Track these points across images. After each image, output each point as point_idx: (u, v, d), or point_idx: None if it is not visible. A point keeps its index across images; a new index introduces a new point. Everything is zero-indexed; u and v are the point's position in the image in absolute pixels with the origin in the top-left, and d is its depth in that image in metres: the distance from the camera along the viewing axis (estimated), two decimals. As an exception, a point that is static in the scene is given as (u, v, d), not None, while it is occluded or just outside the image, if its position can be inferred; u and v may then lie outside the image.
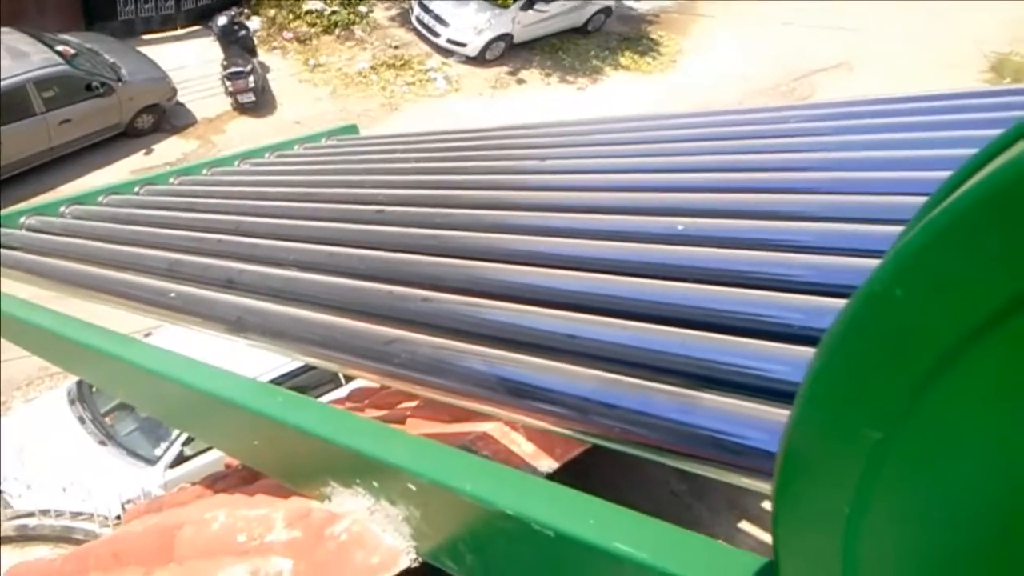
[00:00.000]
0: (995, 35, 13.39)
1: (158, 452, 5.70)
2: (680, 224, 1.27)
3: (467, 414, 1.24)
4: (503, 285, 1.21)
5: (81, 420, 5.92)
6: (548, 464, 1.20)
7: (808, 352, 0.83)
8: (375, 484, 0.95)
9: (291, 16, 12.37)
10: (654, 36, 14.06)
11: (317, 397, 5.26)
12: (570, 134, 2.25)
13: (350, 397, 2.14)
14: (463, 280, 1.26)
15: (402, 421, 1.48)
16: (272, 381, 5.11)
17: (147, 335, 5.59)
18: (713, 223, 1.27)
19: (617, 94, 12.67)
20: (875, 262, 0.97)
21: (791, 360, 0.82)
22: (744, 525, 1.86)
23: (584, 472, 1.20)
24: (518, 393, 0.94)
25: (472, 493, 0.81)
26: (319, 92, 11.67)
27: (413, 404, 1.62)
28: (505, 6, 12.24)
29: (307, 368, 5.37)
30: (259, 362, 4.66)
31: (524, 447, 1.23)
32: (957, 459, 0.38)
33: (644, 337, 0.95)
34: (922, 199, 1.07)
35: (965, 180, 0.39)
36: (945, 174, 1.19)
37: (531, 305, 1.12)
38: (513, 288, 1.19)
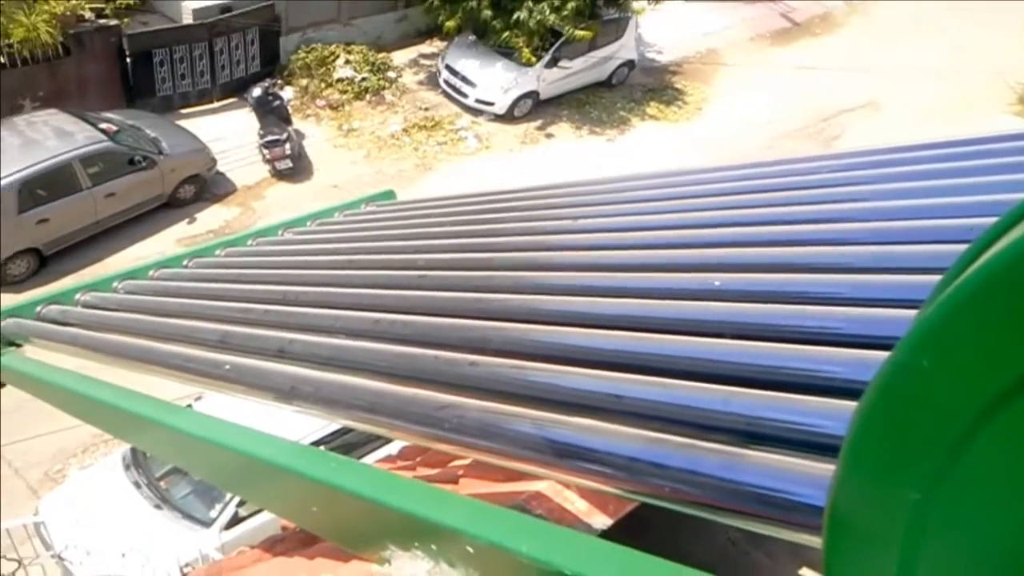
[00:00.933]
0: (1019, 65, 13.32)
1: (213, 514, 5.76)
2: (716, 280, 1.30)
3: (519, 472, 1.27)
4: (546, 346, 1.24)
5: (136, 485, 6.02)
6: (602, 521, 1.22)
7: (851, 406, 0.85)
8: (433, 547, 0.98)
9: (323, 85, 12.74)
10: (678, 86, 14.23)
11: (367, 454, 5.28)
12: (602, 192, 2.30)
13: (401, 455, 2.17)
14: (507, 343, 1.29)
15: (455, 481, 1.51)
16: (319, 440, 5.17)
17: (197, 399, 5.70)
18: (749, 277, 1.30)
19: (646, 143, 12.79)
20: (915, 313, 0.99)
21: (835, 414, 0.84)
22: (806, 572, 1.83)
23: (640, 525, 1.22)
24: (567, 455, 0.97)
25: (529, 554, 0.84)
26: (354, 156, 11.95)
27: (465, 462, 1.64)
28: (530, 64, 12.51)
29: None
30: (303, 424, 4.71)
31: (578, 505, 1.25)
32: (996, 516, 0.40)
33: (687, 395, 0.97)
34: (959, 247, 1.09)
35: (982, 252, 0.42)
36: (982, 220, 1.20)
37: (574, 366, 1.15)
38: (556, 349, 1.23)
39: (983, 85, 13.29)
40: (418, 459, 1.98)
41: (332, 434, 5.48)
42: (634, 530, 1.17)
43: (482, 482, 1.40)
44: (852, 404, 0.85)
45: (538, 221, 2.15)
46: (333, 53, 12.99)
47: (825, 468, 0.75)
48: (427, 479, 1.62)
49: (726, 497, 0.78)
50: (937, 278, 1.07)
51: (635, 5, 13.14)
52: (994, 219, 0.47)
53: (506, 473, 1.41)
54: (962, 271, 0.41)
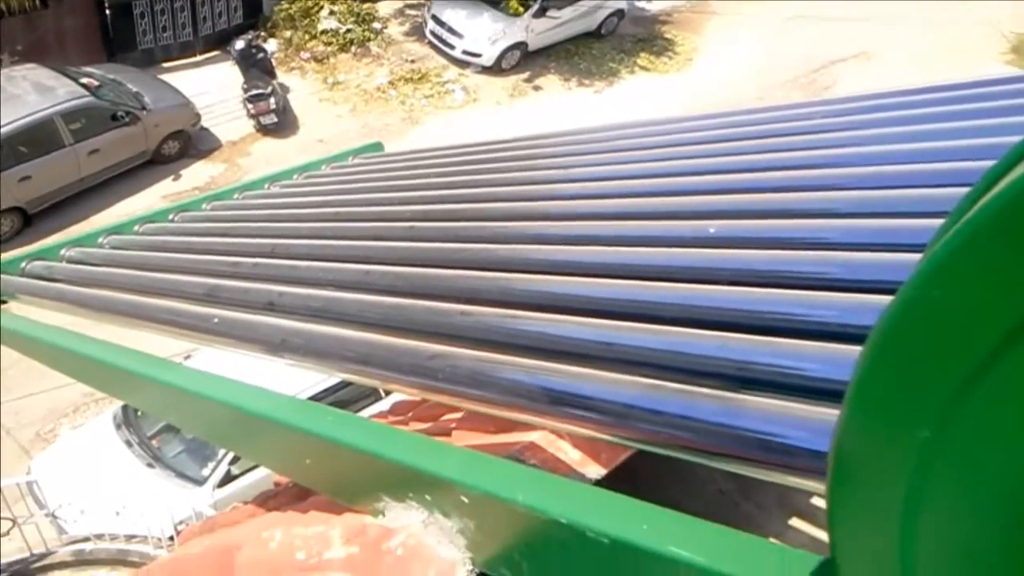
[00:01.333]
0: (1011, 15, 13.20)
1: (206, 472, 5.79)
2: (712, 227, 1.29)
3: (512, 424, 1.27)
4: (539, 296, 1.23)
5: (128, 444, 6.03)
6: (596, 471, 1.22)
7: (848, 350, 0.84)
8: (428, 497, 0.97)
9: (307, 36, 12.52)
10: (668, 36, 14.04)
11: (358, 411, 5.32)
12: (593, 141, 2.27)
13: (392, 411, 2.17)
14: (499, 292, 1.28)
15: (448, 433, 1.51)
16: (312, 398, 5.20)
17: (187, 357, 5.68)
18: (744, 224, 1.29)
19: (636, 95, 12.66)
20: (915, 257, 0.97)
21: (831, 359, 0.83)
22: (795, 522, 1.86)
23: (631, 476, 1.22)
24: (561, 402, 0.96)
25: (524, 503, 0.83)
26: (340, 110, 11.80)
27: (457, 416, 1.64)
28: (518, 14, 12.30)
29: (345, 383, 5.43)
30: (297, 379, 4.72)
31: (571, 455, 1.25)
32: (1006, 455, 0.39)
33: (682, 341, 0.96)
34: (959, 190, 1.07)
35: (996, 182, 0.40)
36: (982, 163, 1.18)
37: (568, 314, 1.14)
38: (548, 298, 1.21)
39: (976, 34, 13.18)
40: (410, 414, 1.98)
41: (323, 391, 5.49)
42: (625, 482, 1.17)
43: (475, 434, 1.40)
44: (849, 348, 0.84)
45: (528, 171, 2.12)
46: (317, 4, 12.74)
47: (824, 412, 0.74)
48: (420, 432, 1.61)
49: (723, 442, 0.77)
50: (935, 222, 1.05)
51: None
52: (992, 162, 0.46)
53: (499, 424, 1.41)
54: (973, 204, 0.40)
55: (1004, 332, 0.37)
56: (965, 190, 1.08)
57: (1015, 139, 1.21)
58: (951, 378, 0.40)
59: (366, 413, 4.95)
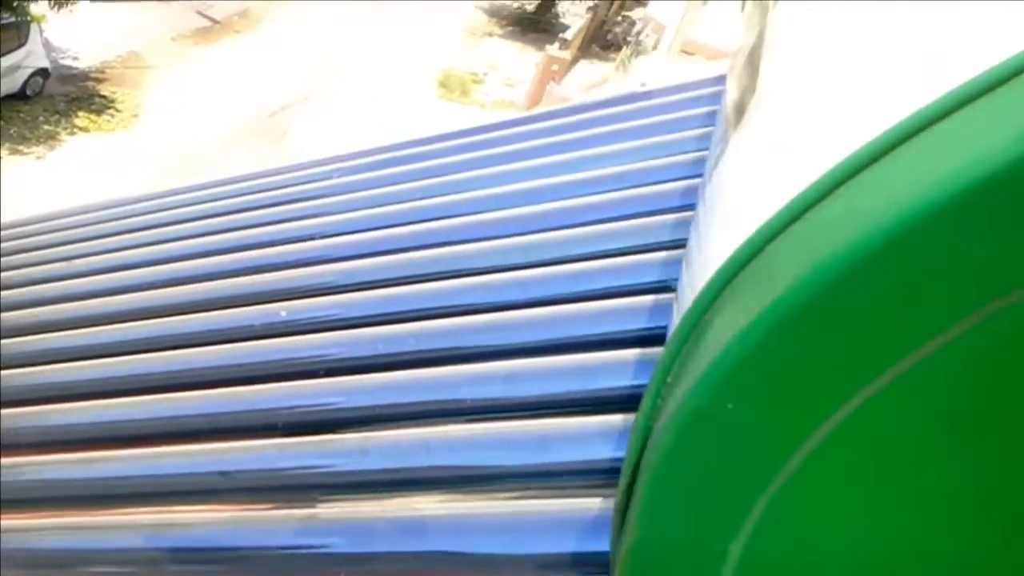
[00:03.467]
0: (436, 54, 15.12)
1: None
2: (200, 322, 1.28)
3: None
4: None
5: None
6: None
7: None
8: None
9: None
10: (105, 93, 13.16)
11: None
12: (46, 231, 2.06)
13: None
14: None
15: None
16: None
17: None
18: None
19: (84, 158, 11.65)
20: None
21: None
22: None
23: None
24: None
25: None
26: None
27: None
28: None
29: None
30: None
31: None
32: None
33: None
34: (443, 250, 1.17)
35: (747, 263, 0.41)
36: (427, 225, 1.34)
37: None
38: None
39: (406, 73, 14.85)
40: None
41: None
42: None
43: None
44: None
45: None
46: None
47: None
48: None
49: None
50: (431, 285, 1.16)
51: (33, 10, 11.75)
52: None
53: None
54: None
55: (804, 440, 0.38)
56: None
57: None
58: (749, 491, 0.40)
59: None
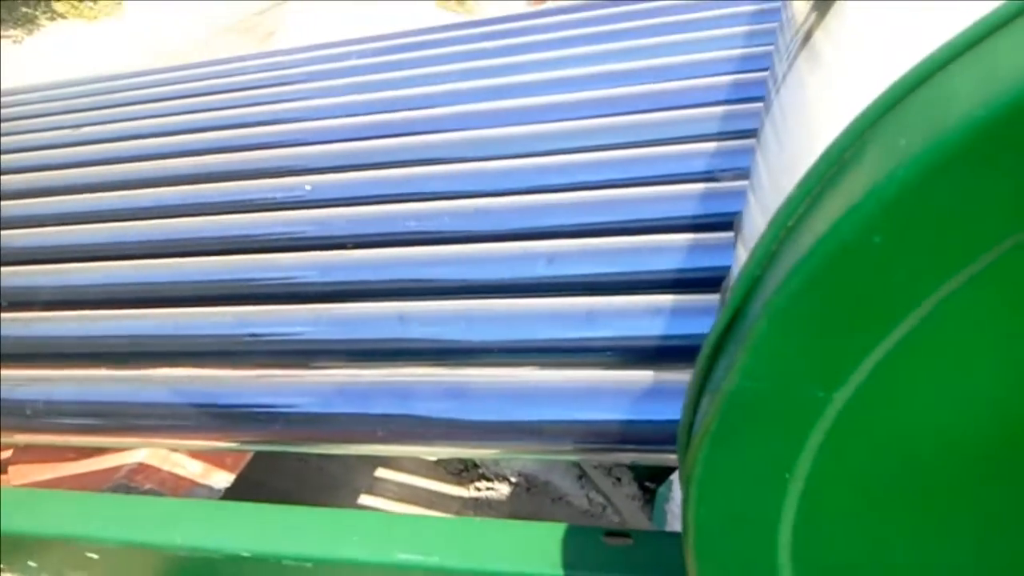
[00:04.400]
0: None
1: None
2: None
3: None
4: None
5: None
6: (224, 478, 1.10)
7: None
8: (33, 564, 0.81)
9: None
10: (84, -22, 12.63)
11: None
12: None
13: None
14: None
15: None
16: None
17: None
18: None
19: (66, 44, 11.23)
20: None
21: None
22: (381, 473, 1.95)
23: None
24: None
25: (187, 544, 0.72)
26: None
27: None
28: None
29: None
30: None
31: (191, 467, 1.11)
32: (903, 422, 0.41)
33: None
34: (444, 135, 1.17)
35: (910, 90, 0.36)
36: (412, 114, 1.31)
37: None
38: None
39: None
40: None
41: None
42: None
43: (46, 465, 1.14)
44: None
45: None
46: None
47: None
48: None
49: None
50: (415, 171, 1.15)
51: None
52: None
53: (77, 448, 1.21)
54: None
55: (952, 277, 0.36)
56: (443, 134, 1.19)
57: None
58: (860, 344, 0.39)
59: None
